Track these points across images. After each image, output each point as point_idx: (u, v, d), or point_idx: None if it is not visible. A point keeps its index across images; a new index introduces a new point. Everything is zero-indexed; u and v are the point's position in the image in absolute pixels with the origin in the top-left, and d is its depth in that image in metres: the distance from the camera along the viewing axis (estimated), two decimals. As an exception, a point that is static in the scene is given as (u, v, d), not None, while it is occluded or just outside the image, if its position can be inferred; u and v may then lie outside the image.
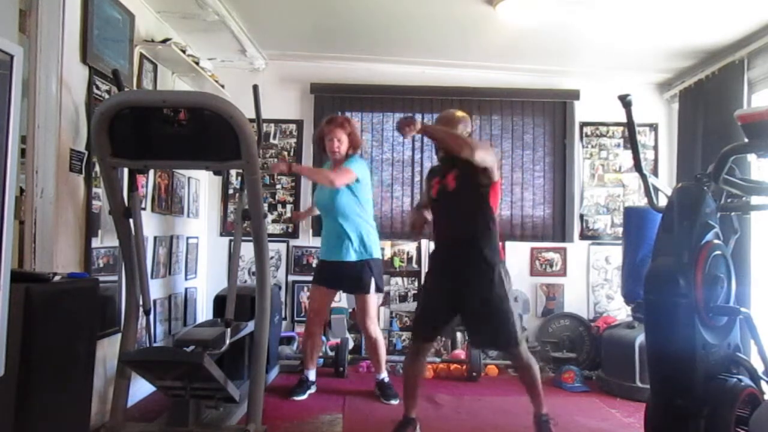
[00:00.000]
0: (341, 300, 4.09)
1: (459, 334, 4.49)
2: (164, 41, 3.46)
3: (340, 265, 3.44)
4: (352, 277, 3.44)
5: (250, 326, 3.12)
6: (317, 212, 3.80)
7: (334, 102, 4.67)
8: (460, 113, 2.87)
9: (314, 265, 4.13)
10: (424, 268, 4.62)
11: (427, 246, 4.61)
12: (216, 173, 4.04)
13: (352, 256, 3.42)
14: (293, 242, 4.65)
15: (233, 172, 4.42)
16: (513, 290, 2.74)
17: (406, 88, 4.62)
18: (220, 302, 3.51)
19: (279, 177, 4.64)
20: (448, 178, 2.73)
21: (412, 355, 2.90)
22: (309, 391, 3.57)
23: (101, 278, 2.73)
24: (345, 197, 3.40)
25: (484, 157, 2.59)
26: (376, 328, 3.55)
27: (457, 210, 2.72)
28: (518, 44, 4.10)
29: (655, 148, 4.77)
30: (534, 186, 4.71)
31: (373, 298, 3.52)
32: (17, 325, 1.79)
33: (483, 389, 3.87)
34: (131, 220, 2.66)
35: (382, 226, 4.48)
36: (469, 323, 2.83)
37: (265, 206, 4.37)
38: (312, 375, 3.62)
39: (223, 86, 4.18)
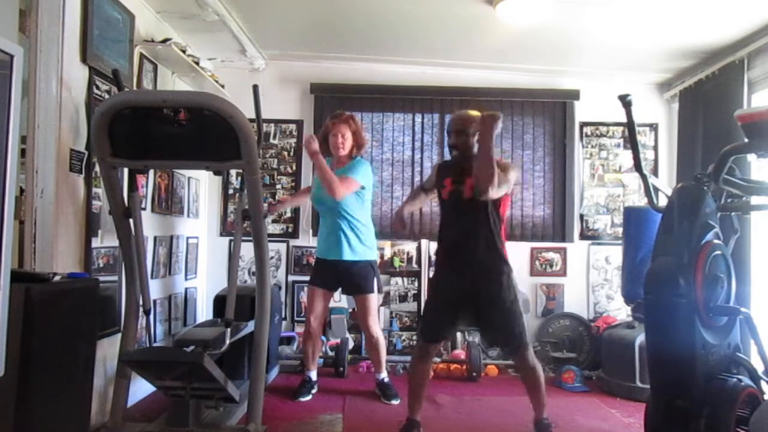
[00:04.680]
0: (341, 300, 4.09)
1: (459, 335, 4.49)
2: (164, 41, 3.46)
3: (340, 264, 3.43)
4: (355, 277, 3.45)
5: (250, 326, 3.13)
6: (297, 203, 4.24)
7: (334, 102, 4.66)
8: (473, 113, 2.73)
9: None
10: (425, 268, 4.62)
11: (428, 246, 4.61)
12: (216, 173, 4.05)
13: (352, 256, 3.43)
14: (293, 242, 4.65)
15: (233, 172, 4.42)
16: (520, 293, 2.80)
17: (406, 88, 4.62)
18: (220, 302, 3.52)
19: (279, 177, 4.64)
20: (465, 185, 2.69)
21: (420, 356, 2.88)
22: (312, 391, 3.58)
23: (101, 278, 2.73)
24: (349, 198, 3.38)
25: (499, 192, 2.61)
26: (377, 327, 3.57)
27: (472, 217, 2.71)
28: (518, 44, 4.09)
29: (655, 148, 4.77)
30: (534, 186, 4.71)
31: (376, 298, 3.55)
32: (17, 325, 1.79)
33: (483, 389, 3.87)
34: (131, 220, 2.66)
35: (383, 226, 4.49)
36: (482, 325, 2.84)
37: (265, 206, 4.41)
38: (314, 375, 3.64)
39: (223, 86, 4.18)
